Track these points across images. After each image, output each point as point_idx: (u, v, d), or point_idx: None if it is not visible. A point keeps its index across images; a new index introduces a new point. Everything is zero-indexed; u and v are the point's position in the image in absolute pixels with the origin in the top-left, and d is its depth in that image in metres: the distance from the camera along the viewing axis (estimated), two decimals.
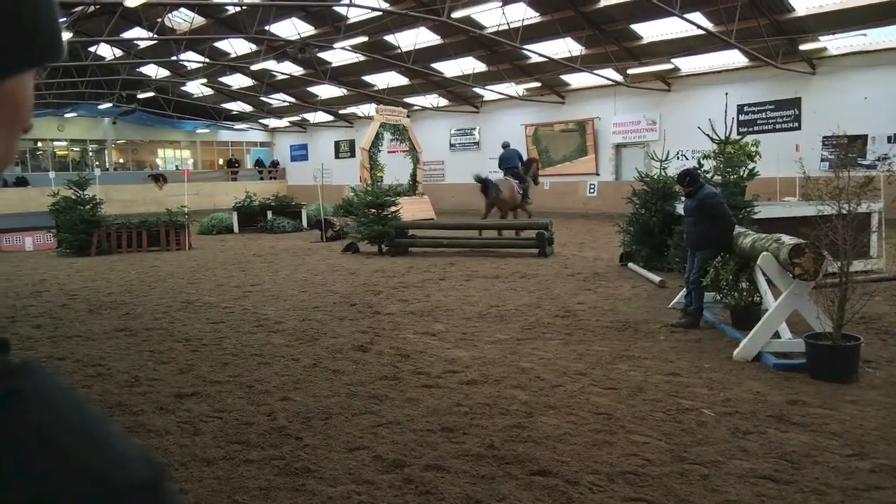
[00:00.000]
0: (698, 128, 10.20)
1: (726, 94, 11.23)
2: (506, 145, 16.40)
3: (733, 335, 6.27)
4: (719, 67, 20.51)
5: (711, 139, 9.30)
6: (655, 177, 10.74)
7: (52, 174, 21.28)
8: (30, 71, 0.61)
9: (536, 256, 12.31)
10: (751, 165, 9.54)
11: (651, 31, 19.44)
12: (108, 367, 5.81)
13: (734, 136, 9.71)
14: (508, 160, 15.92)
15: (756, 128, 19.35)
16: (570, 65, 20.51)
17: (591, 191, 24.15)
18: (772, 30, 17.43)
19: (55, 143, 33.38)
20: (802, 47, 17.99)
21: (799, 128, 19.09)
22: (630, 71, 21.26)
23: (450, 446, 3.96)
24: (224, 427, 4.35)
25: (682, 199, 9.93)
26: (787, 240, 5.62)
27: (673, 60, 20.52)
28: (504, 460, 3.73)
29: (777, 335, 5.66)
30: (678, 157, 18.24)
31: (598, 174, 24.13)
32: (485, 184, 14.87)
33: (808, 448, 3.81)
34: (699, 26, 16.88)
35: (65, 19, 20.35)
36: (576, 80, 23.69)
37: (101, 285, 10.49)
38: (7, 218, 17.65)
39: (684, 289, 7.26)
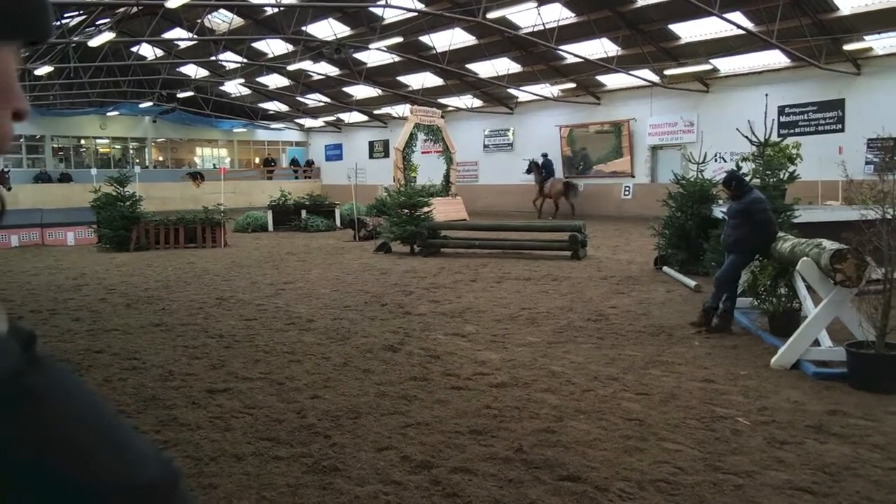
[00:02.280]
0: (737, 129, 10.01)
1: (766, 95, 10.99)
2: (545, 154, 23.27)
3: (771, 342, 6.12)
4: (760, 68, 20.06)
5: (750, 141, 9.11)
6: (692, 179, 10.57)
7: (94, 171, 21.76)
8: (7, 44, 0.59)
9: (569, 259, 12.20)
10: (791, 168, 9.33)
11: (689, 31, 19.12)
12: (143, 361, 5.92)
13: (774, 138, 9.50)
14: (551, 166, 23.25)
15: (797, 129, 18.90)
16: (606, 65, 20.30)
17: (626, 193, 23.87)
18: (815, 29, 17.00)
19: (98, 141, 34.25)
20: (847, 47, 17.52)
21: (842, 130, 18.57)
22: (667, 72, 20.95)
23: (478, 449, 3.93)
24: (254, 423, 4.39)
25: (721, 201, 9.79)
26: (829, 245, 5.47)
27: (711, 61, 20.15)
28: (532, 464, 3.69)
29: (817, 343, 5.51)
30: (716, 160, 17.90)
31: (633, 176, 23.85)
32: (568, 183, 22.38)
33: (849, 460, 3.69)
34: (739, 26, 16.56)
35: (108, 20, 20.84)
36: (611, 80, 23.43)
37: (138, 280, 10.70)
38: (51, 213, 18.16)
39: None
